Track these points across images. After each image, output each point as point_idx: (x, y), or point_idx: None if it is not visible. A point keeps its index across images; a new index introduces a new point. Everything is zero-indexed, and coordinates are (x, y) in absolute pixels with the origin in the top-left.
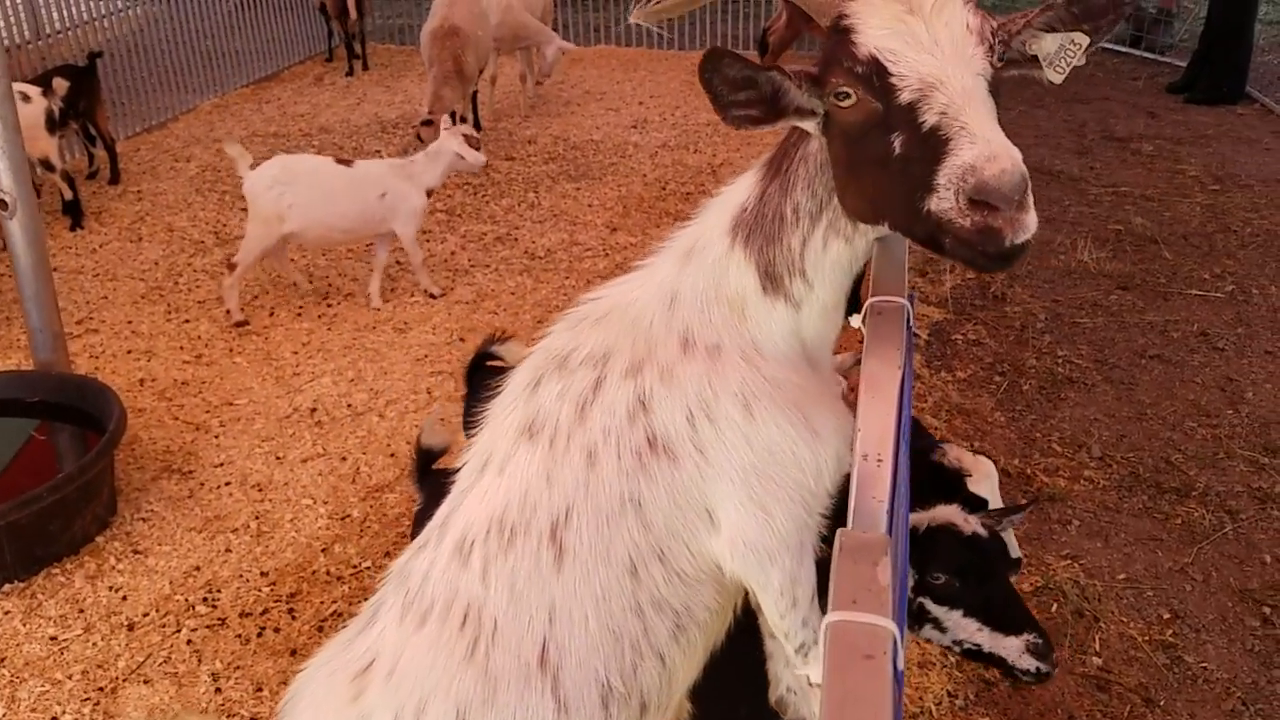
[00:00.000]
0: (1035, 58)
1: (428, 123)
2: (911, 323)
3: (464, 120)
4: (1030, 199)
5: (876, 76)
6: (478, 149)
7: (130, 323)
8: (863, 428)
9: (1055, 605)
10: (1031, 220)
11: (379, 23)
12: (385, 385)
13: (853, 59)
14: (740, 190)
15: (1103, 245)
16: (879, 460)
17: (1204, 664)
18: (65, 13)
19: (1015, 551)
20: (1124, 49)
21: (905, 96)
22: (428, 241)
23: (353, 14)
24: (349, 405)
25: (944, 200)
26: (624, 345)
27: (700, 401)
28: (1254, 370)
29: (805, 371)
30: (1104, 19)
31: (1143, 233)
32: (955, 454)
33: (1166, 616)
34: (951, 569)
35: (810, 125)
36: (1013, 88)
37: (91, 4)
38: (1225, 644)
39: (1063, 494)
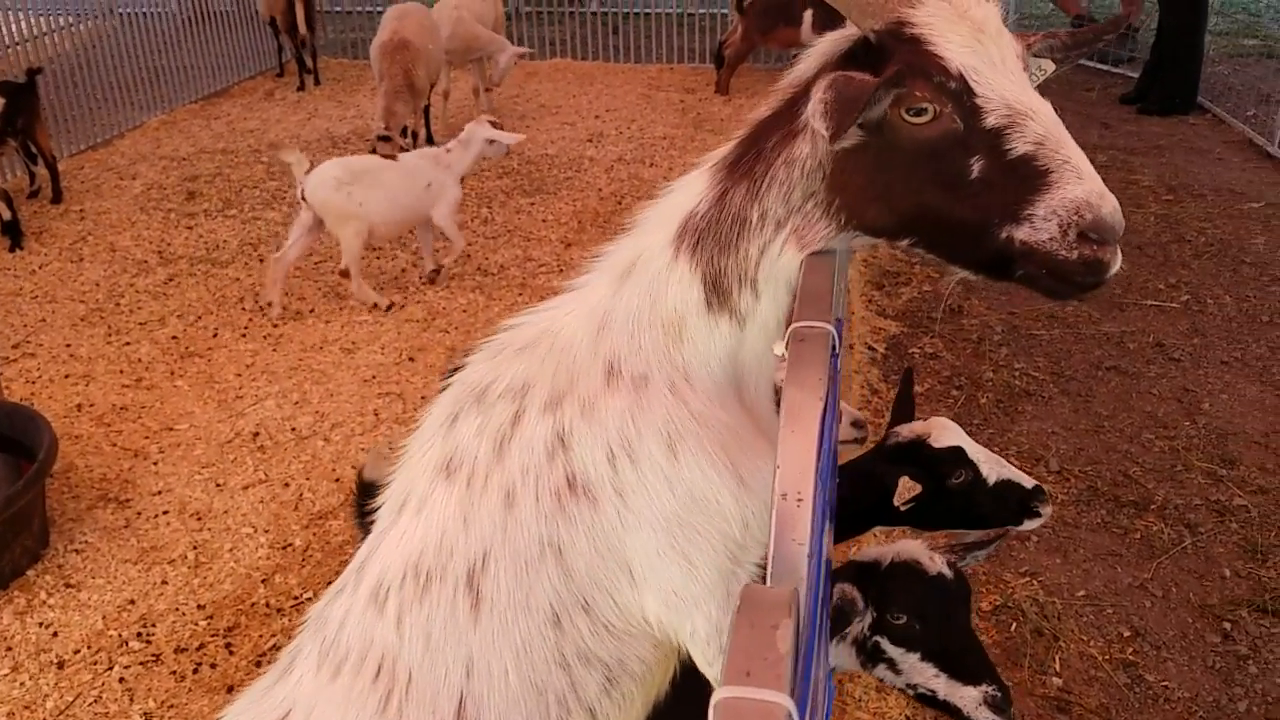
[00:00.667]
0: None
1: (385, 138)
2: (838, 349)
3: (414, 136)
4: None
5: (966, 95)
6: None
7: (69, 346)
8: (782, 464)
9: (1014, 624)
10: (1119, 255)
11: (331, 37)
12: (331, 408)
13: (944, 73)
14: (688, 195)
15: None
16: (799, 499)
17: (1165, 683)
18: (7, 29)
19: (1028, 481)
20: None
21: (992, 120)
22: (377, 258)
23: (302, 29)
24: (293, 429)
25: (1042, 232)
26: (545, 376)
27: (622, 439)
28: (1210, 381)
29: (736, 408)
30: (1080, 50)
31: None
32: (904, 429)
33: (1127, 634)
34: (912, 610)
35: (855, 136)
36: None
37: (35, 20)
38: (1186, 661)
39: None
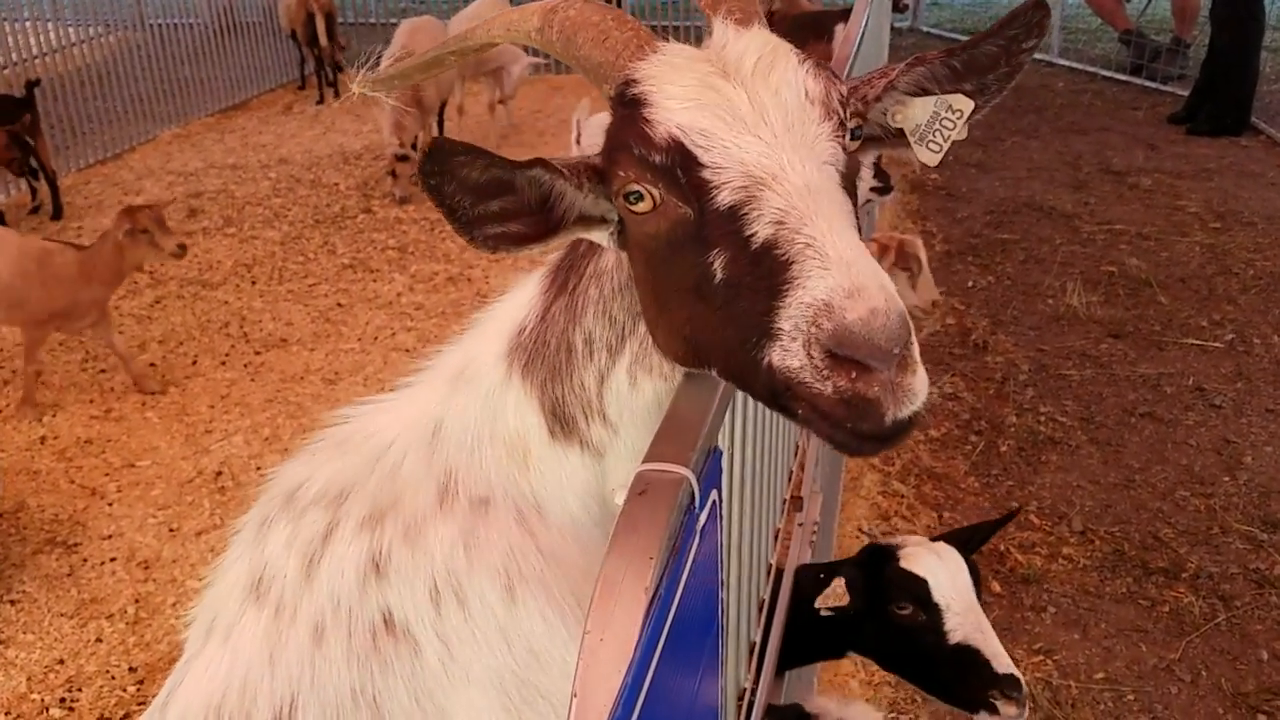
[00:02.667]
0: (901, 131)
1: (403, 157)
2: (712, 504)
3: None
4: (915, 350)
5: (682, 169)
6: None
7: (40, 374)
8: (580, 692)
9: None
10: (921, 384)
11: (355, 49)
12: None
13: (645, 143)
14: (519, 304)
15: (1094, 288)
16: None
17: None
18: (36, 40)
19: (1003, 664)
20: (1124, 78)
21: (725, 198)
22: (373, 281)
23: (323, 40)
24: (258, 469)
25: (791, 355)
26: (365, 484)
27: (449, 575)
28: (1253, 431)
29: (597, 548)
30: (993, 74)
31: (1137, 275)
32: (901, 538)
33: None
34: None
35: (601, 236)
36: (1005, 116)
37: (64, 31)
38: None
39: (1039, 575)
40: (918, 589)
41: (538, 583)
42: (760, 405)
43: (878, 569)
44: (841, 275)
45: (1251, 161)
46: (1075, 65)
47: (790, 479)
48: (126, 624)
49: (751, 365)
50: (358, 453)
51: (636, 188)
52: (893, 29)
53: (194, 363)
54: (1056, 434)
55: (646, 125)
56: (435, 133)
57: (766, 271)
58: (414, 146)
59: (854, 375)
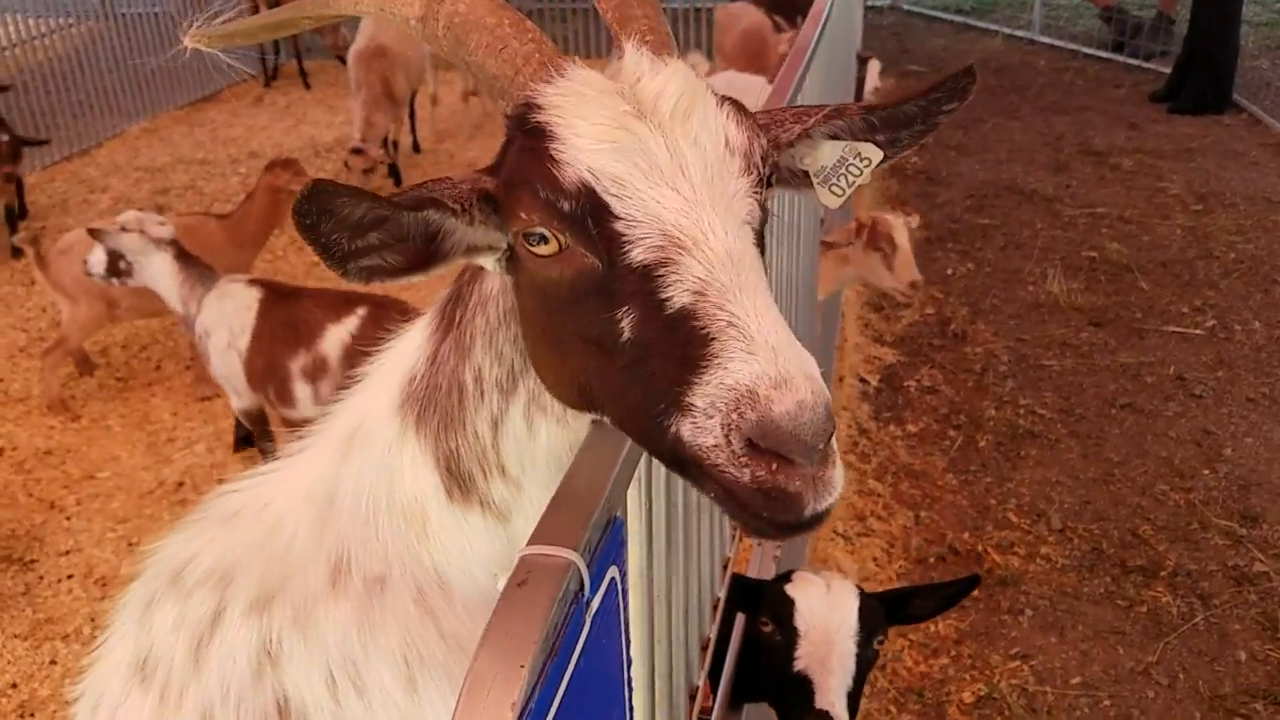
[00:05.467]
0: (805, 173)
1: (358, 150)
2: (610, 582)
3: (395, 145)
4: (835, 446)
5: (593, 218)
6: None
7: (1, 381)
8: None
9: None
10: (839, 476)
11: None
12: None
13: (552, 186)
14: (407, 351)
15: (1075, 274)
16: None
17: None
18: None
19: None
20: (1105, 55)
21: (639, 255)
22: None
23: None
24: (220, 480)
25: (704, 434)
26: (253, 565)
27: (346, 661)
28: (1234, 421)
29: None
30: (908, 130)
31: (1118, 260)
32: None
33: None
34: None
35: (487, 261)
36: (986, 96)
37: (31, 23)
38: None
39: (1016, 576)
40: (783, 609)
41: (440, 669)
42: None
43: (760, 588)
44: (768, 362)
45: (1233, 140)
46: (1056, 43)
47: None
48: (81, 645)
49: (655, 430)
50: (246, 528)
51: (539, 231)
52: (872, 8)
53: (157, 368)
54: (1036, 427)
55: (554, 166)
56: (407, 126)
57: (682, 341)
58: (385, 142)
59: (774, 467)
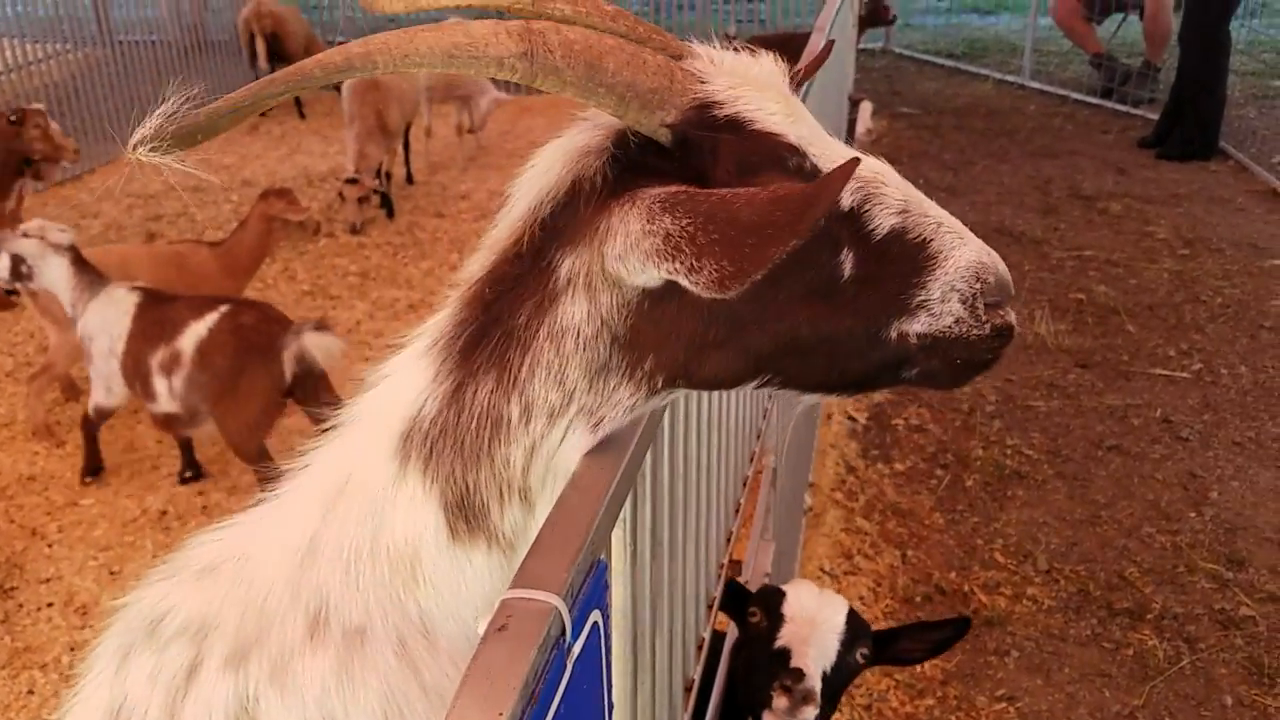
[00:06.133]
0: None
1: (352, 180)
2: (593, 626)
3: (388, 176)
4: None
5: (815, 174)
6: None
7: None
8: None
9: None
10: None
11: None
12: (248, 481)
13: (793, 152)
14: (405, 389)
15: (1063, 316)
16: None
17: None
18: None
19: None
20: (1095, 101)
21: (848, 200)
22: (333, 309)
23: (262, 62)
24: (203, 507)
25: (945, 316)
26: (229, 616)
27: (324, 718)
28: (1220, 465)
29: None
30: None
31: (1106, 302)
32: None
33: None
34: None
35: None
36: (976, 139)
37: (30, 48)
38: None
39: (1002, 617)
40: (773, 599)
41: None
42: (678, 473)
43: (748, 591)
44: (973, 239)
45: (1220, 187)
46: (1046, 88)
47: (729, 540)
48: (59, 675)
49: (876, 348)
50: (223, 580)
51: None
52: (865, 50)
53: None
54: (1023, 468)
55: (780, 136)
56: (401, 158)
57: (899, 256)
58: (378, 173)
59: (1001, 313)
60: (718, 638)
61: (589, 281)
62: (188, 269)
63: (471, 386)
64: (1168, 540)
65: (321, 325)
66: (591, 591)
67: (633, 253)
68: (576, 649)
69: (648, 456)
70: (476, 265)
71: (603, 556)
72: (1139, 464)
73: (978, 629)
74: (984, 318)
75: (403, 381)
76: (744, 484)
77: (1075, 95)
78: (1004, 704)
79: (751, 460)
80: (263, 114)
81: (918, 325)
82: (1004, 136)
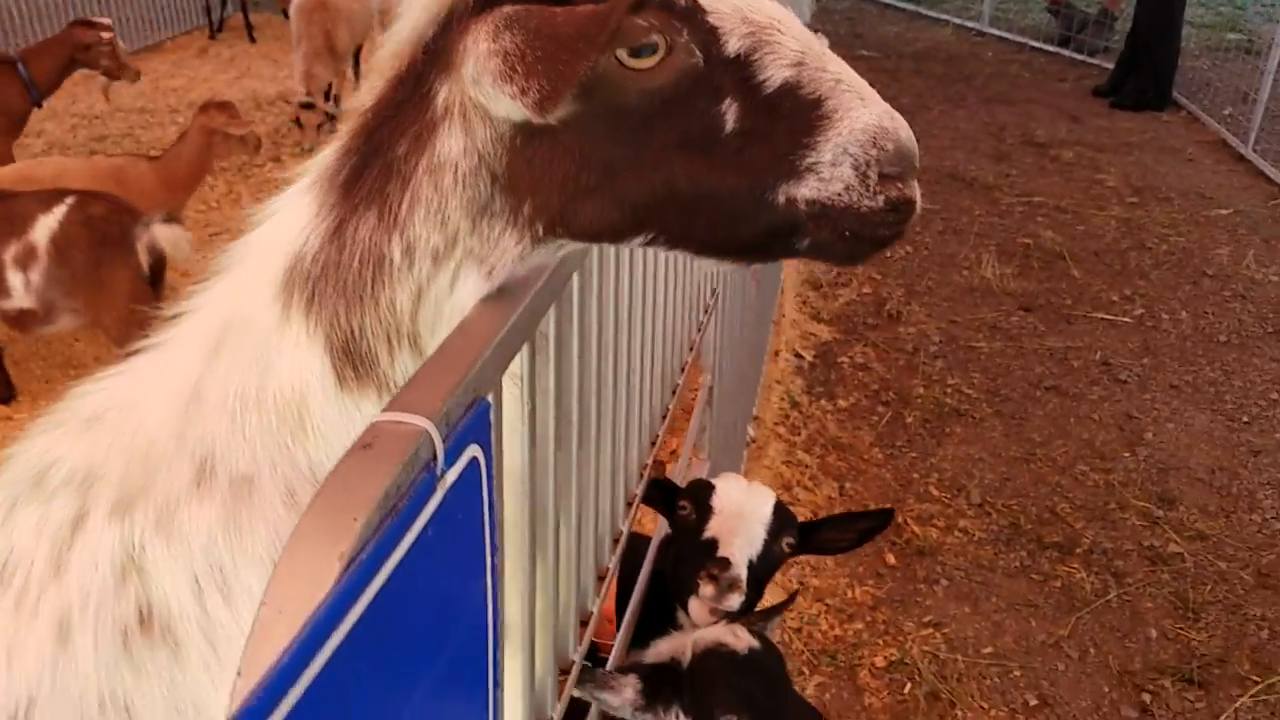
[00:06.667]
0: None
1: (308, 105)
2: (471, 460)
3: (338, 98)
4: None
5: (698, 13)
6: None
7: None
8: (245, 671)
9: (908, 685)
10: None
11: None
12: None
13: None
14: (286, 232)
15: (1009, 260)
16: None
17: None
18: None
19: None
20: (1052, 49)
21: (735, 45)
22: None
23: None
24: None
25: (835, 181)
26: (114, 466)
27: (211, 566)
28: (1156, 407)
29: None
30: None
31: (1052, 248)
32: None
33: (1033, 703)
34: (742, 705)
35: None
36: (933, 84)
37: None
38: None
39: (934, 547)
40: (703, 493)
41: None
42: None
43: (676, 487)
44: (877, 103)
45: (1171, 137)
46: (1005, 35)
47: (654, 444)
48: None
49: (761, 210)
50: (108, 430)
51: (652, 38)
52: None
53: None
54: (962, 406)
55: None
56: (351, 80)
57: (790, 113)
58: (328, 95)
59: (899, 183)
60: (642, 541)
61: (463, 111)
62: (126, 183)
63: (352, 223)
64: (1101, 478)
65: (171, 218)
66: (471, 426)
67: (484, 75)
68: (450, 477)
69: (550, 314)
70: (367, 93)
71: (489, 398)
72: (1076, 404)
73: (909, 558)
74: (876, 188)
75: (286, 219)
76: (673, 392)
77: (1033, 43)
78: (930, 629)
79: (683, 370)
80: (212, 36)
81: (806, 190)
82: (961, 82)
